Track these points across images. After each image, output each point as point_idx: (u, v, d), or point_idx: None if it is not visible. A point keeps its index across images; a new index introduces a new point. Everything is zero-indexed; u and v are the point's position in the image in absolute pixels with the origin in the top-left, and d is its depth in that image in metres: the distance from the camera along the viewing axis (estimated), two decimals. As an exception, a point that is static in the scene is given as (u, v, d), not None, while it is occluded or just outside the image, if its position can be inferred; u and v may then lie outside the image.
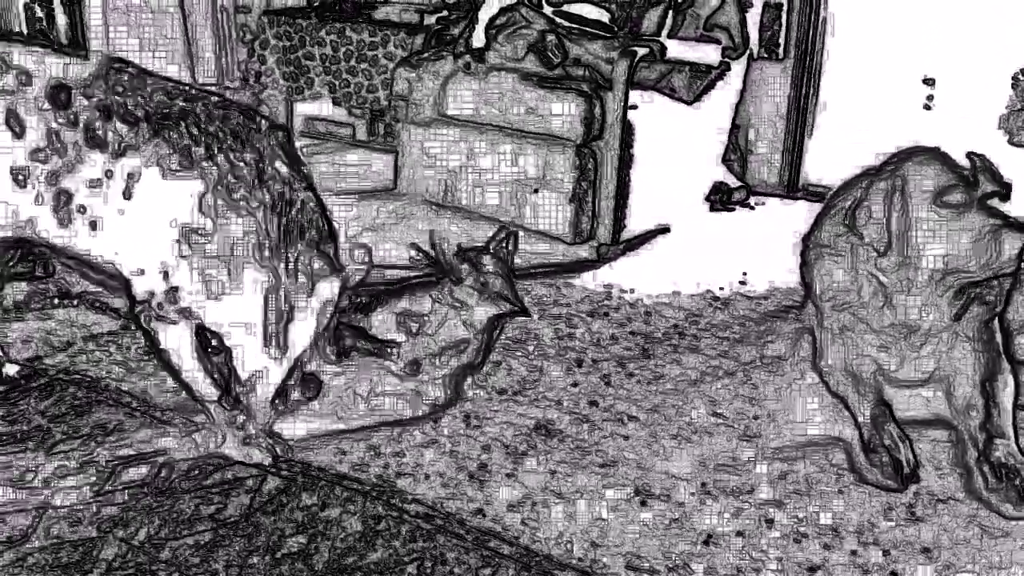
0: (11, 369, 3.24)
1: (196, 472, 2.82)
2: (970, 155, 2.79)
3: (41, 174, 2.77)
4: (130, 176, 2.79)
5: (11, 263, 3.15)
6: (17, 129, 2.77)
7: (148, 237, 2.81)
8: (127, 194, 2.79)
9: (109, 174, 2.78)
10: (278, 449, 2.88)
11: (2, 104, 2.77)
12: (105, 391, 3.20)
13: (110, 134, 2.81)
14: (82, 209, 2.79)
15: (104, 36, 4.42)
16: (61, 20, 4.40)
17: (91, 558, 2.48)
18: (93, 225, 2.79)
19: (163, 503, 2.68)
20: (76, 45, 4.38)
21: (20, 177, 2.77)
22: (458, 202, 3.84)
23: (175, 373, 2.94)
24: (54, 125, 2.77)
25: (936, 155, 2.82)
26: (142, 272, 2.81)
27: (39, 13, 4.38)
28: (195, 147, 2.81)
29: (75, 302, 3.70)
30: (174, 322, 2.84)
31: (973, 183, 2.75)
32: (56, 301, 3.68)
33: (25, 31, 4.32)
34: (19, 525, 2.59)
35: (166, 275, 2.79)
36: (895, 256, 2.80)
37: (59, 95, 2.79)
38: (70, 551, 2.50)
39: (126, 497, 2.70)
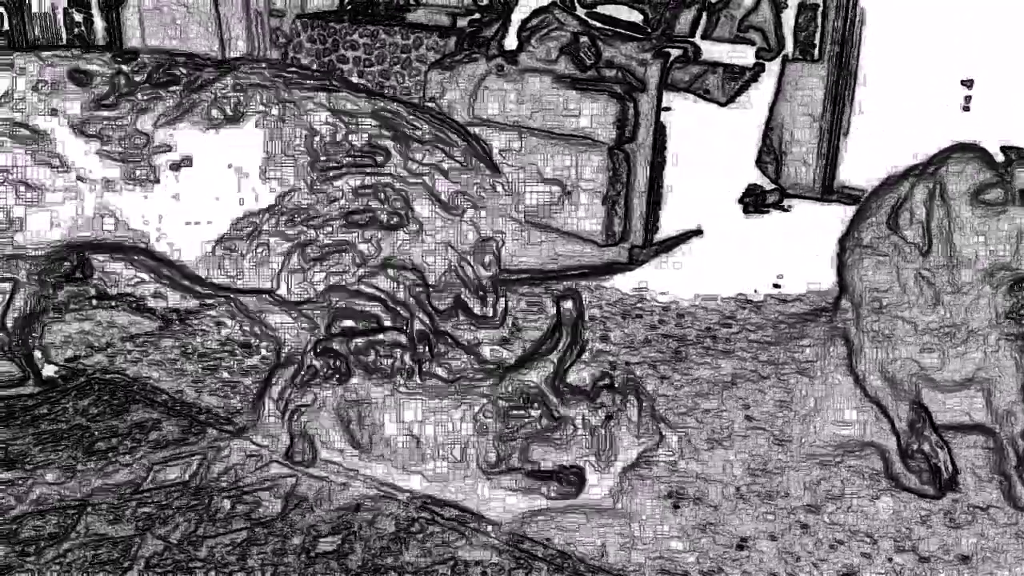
0: (49, 370, 3.28)
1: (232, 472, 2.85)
2: (1004, 149, 2.75)
3: (109, 125, 2.77)
4: (217, 100, 2.78)
5: (63, 273, 3.19)
6: (84, 79, 2.80)
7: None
8: (222, 116, 2.79)
9: (191, 103, 2.78)
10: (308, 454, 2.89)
11: (66, 64, 2.82)
12: (142, 391, 3.24)
13: (180, 70, 2.84)
14: (165, 148, 2.79)
15: (141, 41, 4.48)
16: (99, 25, 4.47)
17: (129, 555, 2.51)
18: (176, 166, 2.78)
19: (201, 502, 2.71)
20: (113, 48, 4.45)
21: (83, 129, 2.78)
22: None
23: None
24: (123, 68, 2.81)
25: (976, 152, 2.78)
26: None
27: (77, 18, 4.44)
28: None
29: (113, 303, 3.75)
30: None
31: (1010, 179, 2.71)
32: (95, 302, 3.73)
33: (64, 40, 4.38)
34: (60, 522, 2.63)
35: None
36: (939, 257, 2.77)
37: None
38: (109, 548, 2.54)
39: (164, 496, 2.73)
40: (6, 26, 4.31)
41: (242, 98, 2.84)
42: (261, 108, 2.84)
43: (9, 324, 3.12)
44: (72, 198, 2.83)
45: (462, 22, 4.26)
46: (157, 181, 2.82)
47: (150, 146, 2.80)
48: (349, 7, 4.56)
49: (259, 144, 2.84)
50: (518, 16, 3.97)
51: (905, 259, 2.83)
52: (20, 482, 2.76)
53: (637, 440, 2.92)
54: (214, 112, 2.81)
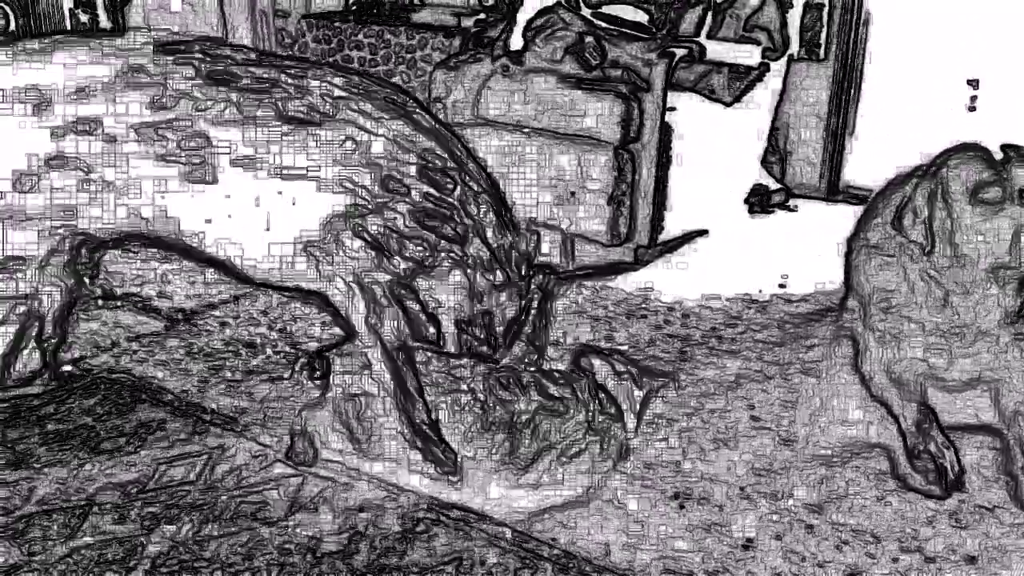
0: (67, 366, 3.29)
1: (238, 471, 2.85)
2: (1004, 147, 2.75)
3: (164, 128, 2.77)
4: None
5: (88, 264, 3.19)
6: (139, 77, 2.79)
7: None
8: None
9: (254, 105, 2.76)
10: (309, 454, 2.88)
11: (118, 64, 2.82)
12: (148, 391, 3.25)
13: (236, 69, 2.82)
14: (225, 149, 2.77)
15: (146, 40, 4.49)
16: (105, 25, 4.48)
17: (136, 554, 2.52)
18: (242, 165, 2.76)
19: (206, 501, 2.72)
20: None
21: (144, 131, 2.77)
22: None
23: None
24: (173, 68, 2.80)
25: (977, 152, 2.78)
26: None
27: (83, 19, 4.45)
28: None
29: (119, 303, 3.76)
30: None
31: (1009, 177, 2.71)
32: (100, 302, 3.74)
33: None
34: (66, 522, 2.63)
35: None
36: (943, 257, 2.77)
37: None
38: (116, 547, 2.54)
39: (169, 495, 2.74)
40: (12, 26, 4.32)
41: (313, 102, 2.82)
42: (335, 116, 2.82)
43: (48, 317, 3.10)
44: (126, 197, 2.81)
45: (467, 22, 4.26)
46: (215, 181, 2.80)
47: (209, 147, 2.78)
48: (354, 7, 4.57)
49: (325, 149, 2.81)
50: (523, 16, 3.96)
51: (911, 259, 2.83)
52: (26, 482, 2.77)
53: (638, 390, 2.93)
54: (280, 115, 2.79)
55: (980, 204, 2.69)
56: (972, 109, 3.45)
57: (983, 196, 2.68)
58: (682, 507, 2.76)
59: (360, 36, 4.28)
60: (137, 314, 3.69)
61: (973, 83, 3.46)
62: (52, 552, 2.51)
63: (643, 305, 3.75)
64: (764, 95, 3.81)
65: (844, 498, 2.80)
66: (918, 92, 3.52)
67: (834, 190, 3.81)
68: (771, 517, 2.72)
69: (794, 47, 3.78)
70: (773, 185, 3.90)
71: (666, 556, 2.59)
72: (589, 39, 3.77)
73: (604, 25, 3.92)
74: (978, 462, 2.88)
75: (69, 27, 4.36)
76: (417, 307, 2.84)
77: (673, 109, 3.81)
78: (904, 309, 2.86)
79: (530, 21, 3.90)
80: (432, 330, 2.87)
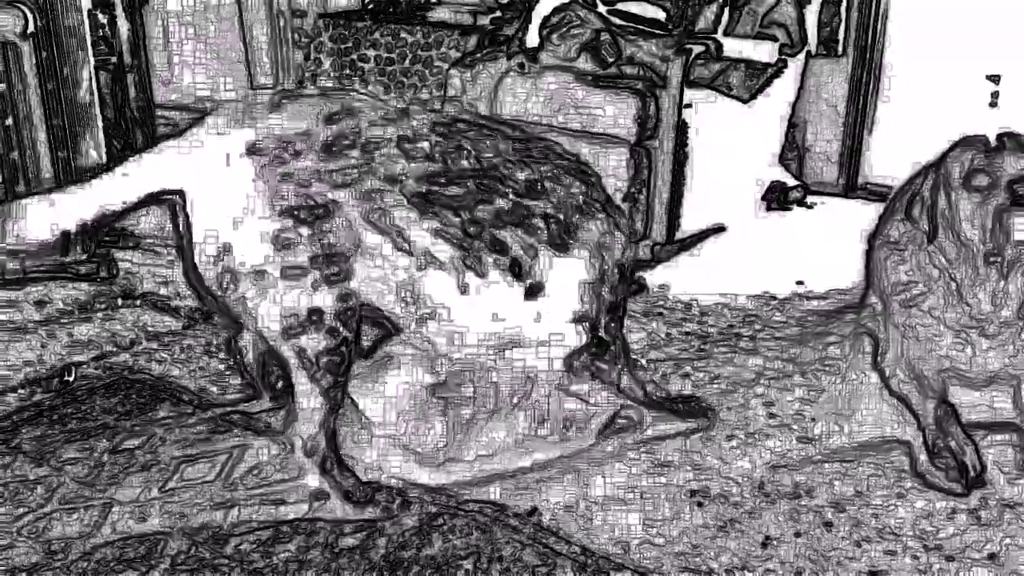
0: (70, 376, 3.31)
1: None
2: (1000, 136, 2.75)
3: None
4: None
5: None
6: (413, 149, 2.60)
7: None
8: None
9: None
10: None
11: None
12: (168, 390, 3.27)
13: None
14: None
15: (164, 41, 4.52)
16: (123, 27, 4.50)
17: (156, 553, 2.53)
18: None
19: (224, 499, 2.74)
20: (136, 49, 4.48)
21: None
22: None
23: None
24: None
25: (978, 142, 2.78)
26: None
27: (102, 19, 4.48)
28: None
29: (138, 302, 3.79)
30: None
31: (1001, 163, 2.70)
32: (119, 302, 3.76)
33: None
34: (87, 521, 2.65)
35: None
36: (951, 246, 2.76)
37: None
38: (135, 546, 2.56)
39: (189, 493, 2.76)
40: (31, 28, 4.35)
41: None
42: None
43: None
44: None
45: (483, 20, 4.26)
46: (483, 275, 2.59)
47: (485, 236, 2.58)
48: (370, 6, 4.58)
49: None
50: (539, 14, 3.97)
51: (919, 248, 2.83)
52: (47, 481, 2.79)
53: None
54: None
55: (972, 191, 2.69)
56: (993, 105, 3.43)
57: (973, 183, 2.68)
58: (700, 505, 2.76)
59: (376, 35, 4.29)
60: (157, 313, 3.72)
61: (994, 79, 3.44)
62: (71, 551, 2.53)
63: (660, 303, 3.74)
64: (782, 92, 3.80)
65: (864, 495, 2.78)
66: (938, 88, 3.51)
67: (852, 187, 3.80)
68: (790, 514, 2.72)
69: (812, 43, 3.77)
70: (791, 182, 3.89)
71: (684, 553, 2.59)
72: (605, 36, 3.77)
73: (620, 22, 3.92)
74: (999, 459, 2.86)
75: (88, 28, 4.38)
76: None
77: (689, 106, 3.81)
78: (923, 304, 2.85)
79: (546, 18, 3.90)
80: None
